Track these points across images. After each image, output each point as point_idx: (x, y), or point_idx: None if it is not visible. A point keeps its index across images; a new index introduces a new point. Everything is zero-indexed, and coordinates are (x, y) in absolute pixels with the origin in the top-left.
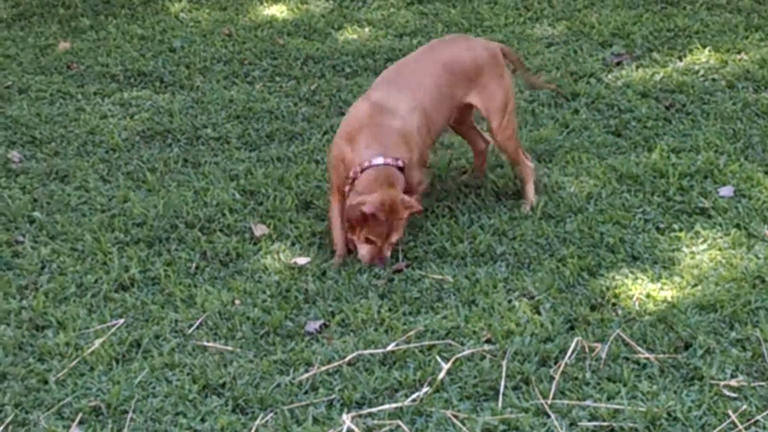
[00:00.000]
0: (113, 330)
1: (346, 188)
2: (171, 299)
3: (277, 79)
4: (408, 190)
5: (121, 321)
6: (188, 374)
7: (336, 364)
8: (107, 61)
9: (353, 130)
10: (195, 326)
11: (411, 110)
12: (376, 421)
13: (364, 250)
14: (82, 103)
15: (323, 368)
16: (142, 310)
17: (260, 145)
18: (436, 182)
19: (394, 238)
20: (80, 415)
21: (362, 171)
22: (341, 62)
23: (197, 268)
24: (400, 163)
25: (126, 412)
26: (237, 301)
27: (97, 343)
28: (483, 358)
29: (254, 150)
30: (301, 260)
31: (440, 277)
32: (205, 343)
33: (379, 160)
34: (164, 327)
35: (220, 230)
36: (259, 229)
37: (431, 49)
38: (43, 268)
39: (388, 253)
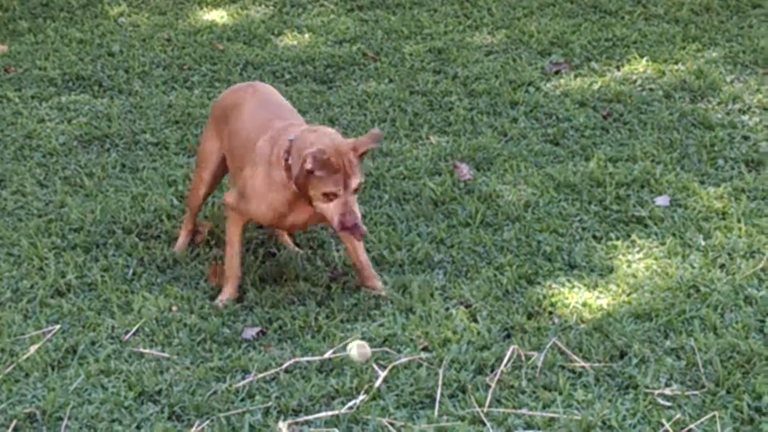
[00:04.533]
0: (49, 336)
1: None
2: (108, 305)
3: (217, 84)
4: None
5: (57, 327)
6: (124, 381)
7: (273, 371)
8: (45, 64)
9: (266, 151)
10: (131, 333)
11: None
12: (312, 429)
13: (330, 212)
14: (20, 107)
15: (260, 375)
16: (79, 316)
17: None
18: (374, 190)
19: (354, 182)
20: (15, 421)
21: (289, 152)
22: (281, 68)
23: (134, 274)
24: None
25: (61, 418)
26: (174, 308)
27: (33, 349)
28: (420, 366)
29: (193, 156)
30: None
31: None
32: (142, 350)
33: (297, 131)
34: (100, 333)
35: (158, 236)
36: (199, 234)
37: (258, 97)
38: None
39: (356, 207)
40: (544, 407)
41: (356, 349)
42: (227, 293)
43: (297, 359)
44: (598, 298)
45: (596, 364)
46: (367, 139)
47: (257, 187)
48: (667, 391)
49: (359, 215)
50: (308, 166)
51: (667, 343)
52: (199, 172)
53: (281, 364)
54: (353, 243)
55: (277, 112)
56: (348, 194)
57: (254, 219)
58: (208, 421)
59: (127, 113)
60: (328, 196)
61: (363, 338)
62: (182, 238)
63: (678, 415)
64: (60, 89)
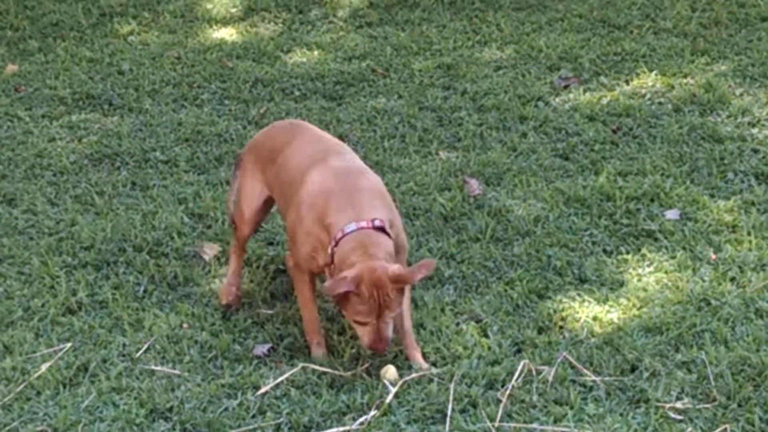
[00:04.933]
0: (60, 354)
1: (327, 267)
2: (119, 323)
3: (226, 102)
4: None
5: (69, 345)
6: (135, 398)
7: (284, 386)
8: (55, 83)
9: (320, 200)
10: (143, 350)
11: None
12: None
13: (360, 332)
14: (30, 126)
15: (271, 392)
16: (90, 333)
17: (209, 168)
18: None
19: (389, 316)
20: None
21: (337, 244)
22: (290, 85)
23: (145, 291)
24: (377, 224)
25: None
26: (185, 325)
27: (44, 367)
28: (431, 381)
29: (203, 173)
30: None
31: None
32: (153, 367)
33: (352, 226)
34: (112, 351)
35: (168, 254)
36: (210, 249)
37: (306, 134)
38: None
39: (389, 333)
40: (555, 421)
41: (390, 373)
42: (318, 353)
43: (308, 375)
44: (608, 312)
45: (607, 378)
46: (416, 270)
47: (305, 232)
48: (679, 405)
49: (390, 337)
50: (340, 290)
51: (678, 356)
52: (241, 213)
53: (292, 381)
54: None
55: (329, 146)
56: (381, 322)
57: (311, 266)
58: None
59: (138, 131)
60: (359, 323)
61: (374, 354)
62: (231, 277)
63: (689, 429)
64: (70, 108)
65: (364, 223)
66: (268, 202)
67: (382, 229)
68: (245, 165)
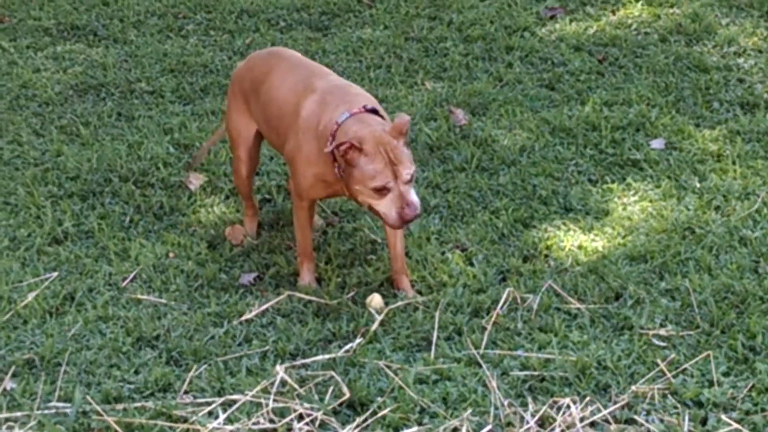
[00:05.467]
0: (47, 283)
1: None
2: (105, 252)
3: (212, 32)
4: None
5: (55, 274)
6: (122, 327)
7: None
8: (40, 14)
9: (313, 117)
10: (129, 279)
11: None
12: (309, 372)
13: (384, 208)
14: (15, 57)
15: (257, 320)
16: (76, 263)
17: (194, 99)
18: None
19: (406, 172)
20: (13, 368)
21: (334, 138)
22: (276, 16)
23: (131, 221)
24: (369, 107)
25: (59, 364)
26: (171, 254)
27: (31, 296)
28: (416, 309)
29: (188, 104)
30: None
31: (372, 236)
32: (139, 296)
33: (345, 115)
34: (98, 280)
35: (154, 184)
36: (195, 179)
37: (286, 62)
38: None
39: (414, 196)
40: (539, 349)
41: (376, 302)
42: (305, 279)
43: (294, 304)
44: (593, 240)
45: (591, 306)
46: (402, 117)
47: (304, 159)
48: (662, 332)
49: (418, 202)
50: (343, 147)
51: (662, 284)
52: (235, 152)
53: (278, 309)
54: (394, 231)
55: (310, 70)
56: (401, 184)
57: (310, 195)
58: (205, 366)
59: (123, 62)
60: (380, 192)
61: (359, 282)
62: (248, 223)
63: (673, 355)
64: (55, 39)
65: (356, 109)
66: (259, 137)
67: (375, 112)
68: (230, 102)
